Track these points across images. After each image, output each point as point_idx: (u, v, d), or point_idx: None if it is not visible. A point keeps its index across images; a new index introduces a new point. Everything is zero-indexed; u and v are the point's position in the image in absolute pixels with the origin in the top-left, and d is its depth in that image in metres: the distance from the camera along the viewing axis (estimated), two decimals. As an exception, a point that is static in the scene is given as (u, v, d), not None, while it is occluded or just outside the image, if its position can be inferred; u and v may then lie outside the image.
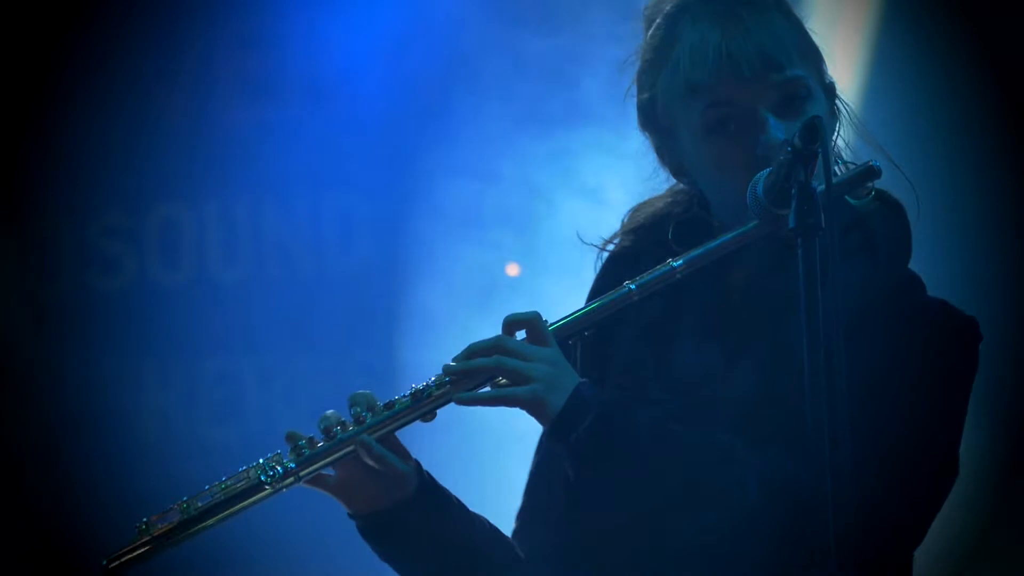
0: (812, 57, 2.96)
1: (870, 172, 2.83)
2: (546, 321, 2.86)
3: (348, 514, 2.98)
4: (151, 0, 6.57)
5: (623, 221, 3.11)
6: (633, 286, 2.88)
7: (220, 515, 2.84)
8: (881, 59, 6.03)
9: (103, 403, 6.52)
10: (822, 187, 2.56)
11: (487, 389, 2.82)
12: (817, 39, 2.99)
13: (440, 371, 2.85)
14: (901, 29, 6.03)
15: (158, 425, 6.55)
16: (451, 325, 6.39)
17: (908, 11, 6.02)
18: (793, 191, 2.58)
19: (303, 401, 6.50)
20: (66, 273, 6.70)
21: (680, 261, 2.88)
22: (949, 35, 5.87)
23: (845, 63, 5.96)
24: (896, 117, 5.81)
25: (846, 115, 3.02)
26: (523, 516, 3.10)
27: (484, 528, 3.03)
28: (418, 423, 2.87)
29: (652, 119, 3.01)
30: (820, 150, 2.58)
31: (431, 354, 6.23)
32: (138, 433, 6.50)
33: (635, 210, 3.12)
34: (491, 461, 5.77)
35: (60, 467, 6.45)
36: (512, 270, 6.56)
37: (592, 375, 2.97)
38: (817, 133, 2.58)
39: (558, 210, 6.47)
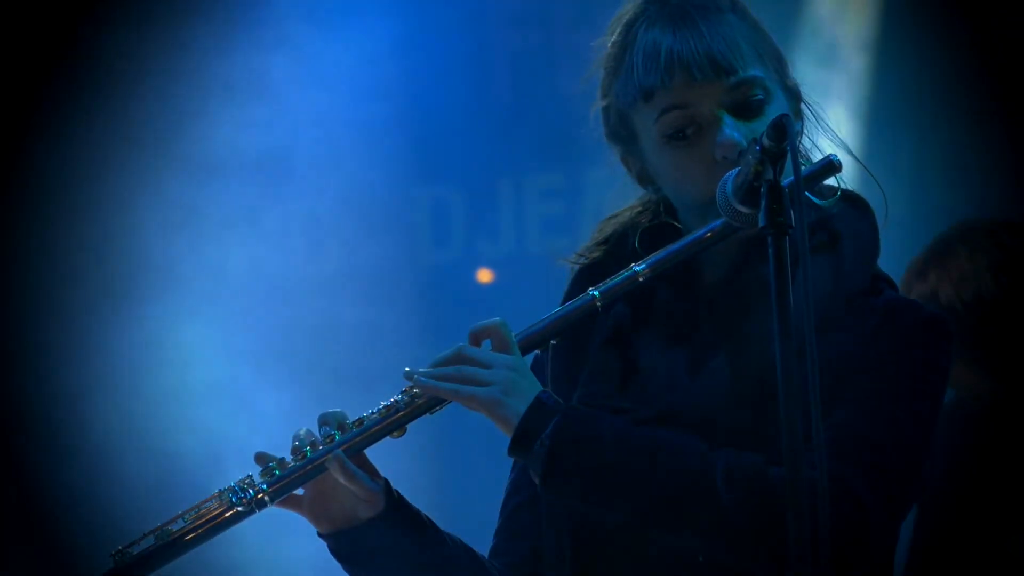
0: (771, 59, 2.94)
1: (831, 167, 2.81)
2: (511, 330, 2.86)
3: (318, 533, 2.97)
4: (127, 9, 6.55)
5: (592, 234, 3.10)
6: (596, 292, 2.88)
7: (194, 541, 2.83)
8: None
9: (71, 416, 6.50)
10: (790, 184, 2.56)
11: (447, 382, 2.81)
12: (777, 41, 2.98)
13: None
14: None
15: (127, 438, 6.53)
16: (424, 334, 6.38)
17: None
18: (762, 190, 2.58)
19: (273, 413, 6.51)
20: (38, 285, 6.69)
21: (643, 265, 2.88)
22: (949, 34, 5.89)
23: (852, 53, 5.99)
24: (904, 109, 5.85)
25: (812, 117, 3.01)
26: (502, 534, 3.08)
27: (457, 547, 3.01)
28: (389, 440, 2.86)
29: (614, 128, 3.01)
30: (789, 148, 2.58)
31: (403, 363, 6.23)
32: (107, 447, 6.49)
33: (604, 222, 3.10)
34: (463, 478, 5.77)
35: (34, 486, 6.44)
36: (484, 276, 6.55)
37: (563, 386, 2.95)
38: (785, 132, 2.58)
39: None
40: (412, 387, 2.85)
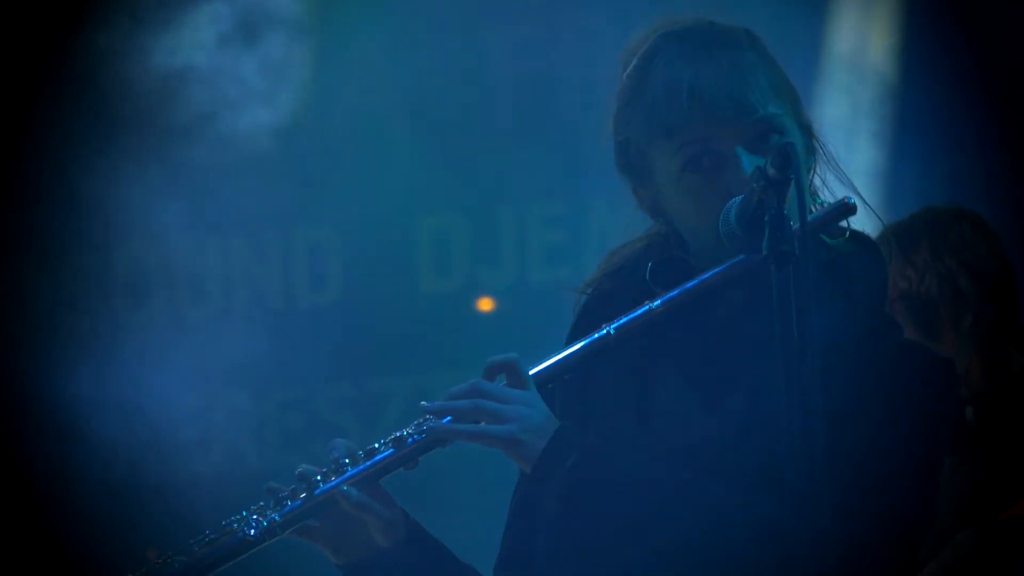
0: (787, 95, 2.95)
1: (845, 208, 2.83)
2: (526, 366, 2.86)
3: (335, 564, 2.97)
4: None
5: (600, 265, 3.09)
6: (611, 329, 2.89)
7: (205, 570, 2.83)
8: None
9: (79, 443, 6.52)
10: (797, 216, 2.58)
11: (463, 423, 2.82)
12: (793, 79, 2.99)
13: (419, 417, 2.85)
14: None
15: (132, 460, 6.54)
16: (425, 363, 6.38)
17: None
18: (766, 219, 2.59)
19: (274, 436, 6.52)
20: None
21: (658, 302, 2.89)
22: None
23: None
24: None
25: (823, 155, 3.01)
26: (503, 563, 3.07)
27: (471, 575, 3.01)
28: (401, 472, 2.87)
29: (628, 161, 3.01)
30: (793, 176, 2.59)
31: (405, 392, 6.24)
32: (112, 471, 6.50)
33: (612, 254, 3.09)
34: (477, 505, 5.76)
35: (52, 507, 6.46)
36: (485, 304, 6.56)
37: (574, 414, 2.95)
38: (789, 160, 2.59)
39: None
40: (423, 420, 2.85)
